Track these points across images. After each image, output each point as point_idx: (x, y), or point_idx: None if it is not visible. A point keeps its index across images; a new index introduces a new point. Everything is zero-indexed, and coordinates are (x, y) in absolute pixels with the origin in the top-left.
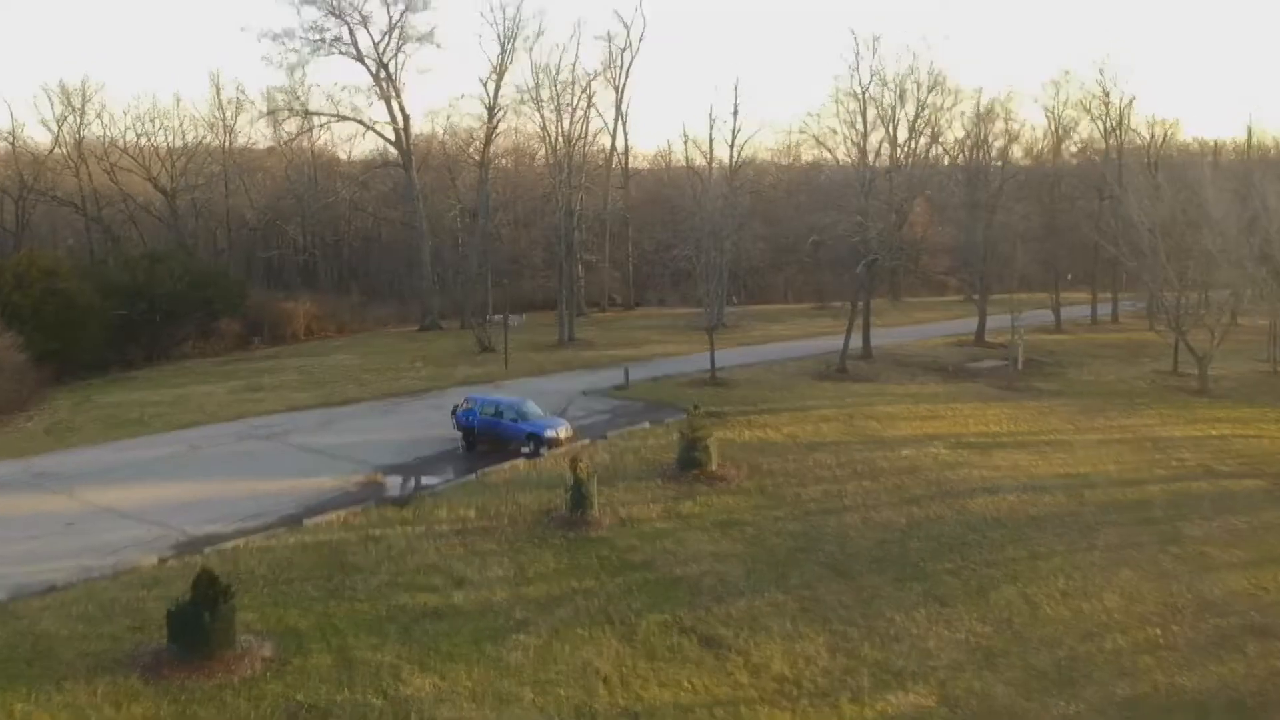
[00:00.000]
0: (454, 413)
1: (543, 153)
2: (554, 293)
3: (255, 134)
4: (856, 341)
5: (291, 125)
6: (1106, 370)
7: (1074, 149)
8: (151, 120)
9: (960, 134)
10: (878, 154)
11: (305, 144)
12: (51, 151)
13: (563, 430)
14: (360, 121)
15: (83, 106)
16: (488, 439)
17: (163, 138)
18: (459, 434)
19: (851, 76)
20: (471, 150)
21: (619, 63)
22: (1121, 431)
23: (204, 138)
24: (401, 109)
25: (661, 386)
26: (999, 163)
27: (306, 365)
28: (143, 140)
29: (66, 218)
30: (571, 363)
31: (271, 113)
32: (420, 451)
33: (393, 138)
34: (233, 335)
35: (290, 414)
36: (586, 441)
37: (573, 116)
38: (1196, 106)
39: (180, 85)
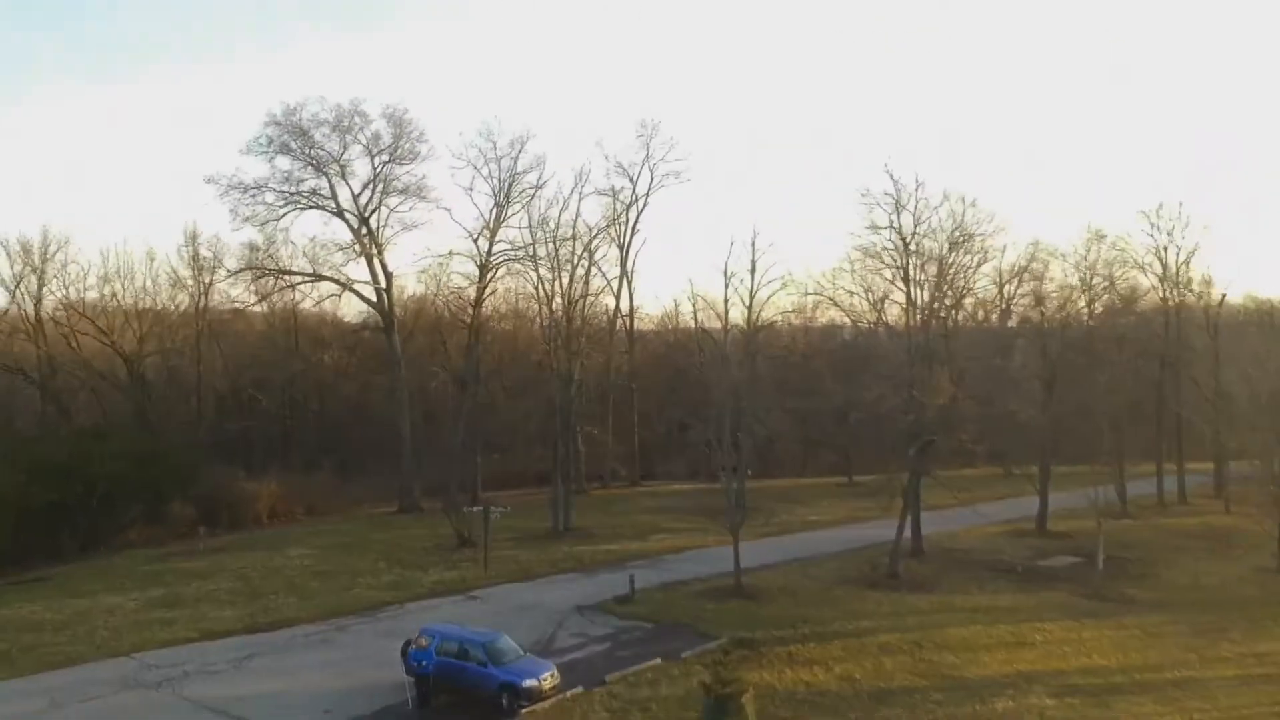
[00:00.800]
0: (405, 651)
1: (540, 314)
2: (550, 466)
3: (233, 293)
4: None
5: (263, 285)
6: (1201, 569)
7: (1116, 308)
8: (117, 279)
9: (989, 293)
10: (912, 316)
11: (284, 304)
12: (5, 313)
13: (546, 678)
14: (337, 282)
15: (42, 265)
16: (448, 687)
17: (130, 298)
18: (410, 679)
19: (889, 227)
20: (461, 313)
21: (625, 219)
22: (1259, 662)
23: (175, 298)
24: (384, 267)
25: (675, 598)
26: (1055, 325)
27: (250, 565)
28: (107, 301)
29: (23, 389)
30: (565, 562)
31: (240, 272)
32: (355, 709)
33: (374, 299)
34: (186, 520)
35: (202, 644)
36: (578, 690)
37: (573, 275)
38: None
39: (154, 239)
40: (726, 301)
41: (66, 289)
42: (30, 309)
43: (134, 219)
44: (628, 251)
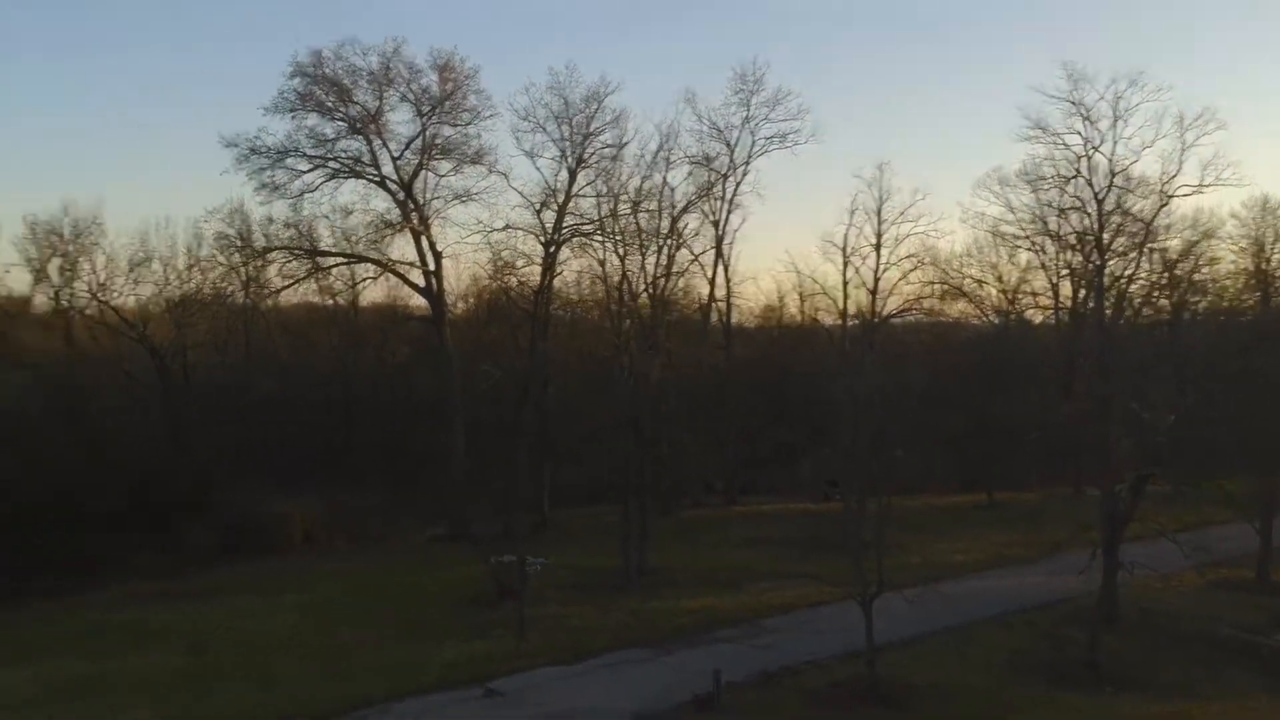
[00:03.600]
0: None
1: (611, 300)
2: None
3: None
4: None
5: (294, 269)
6: None
7: None
8: (156, 263)
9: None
10: (1096, 301)
11: (330, 292)
12: (30, 301)
13: None
14: (378, 262)
15: (71, 247)
16: None
17: (167, 285)
18: None
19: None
20: (523, 300)
21: (720, 191)
22: None
23: (218, 285)
24: (432, 246)
25: (781, 702)
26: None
27: (222, 621)
28: (142, 289)
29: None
30: (631, 629)
31: (267, 252)
32: None
33: (421, 283)
34: (205, 548)
35: None
36: None
37: (657, 256)
38: None
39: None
40: (846, 285)
41: (96, 274)
42: (52, 296)
43: (178, 196)
44: (723, 230)
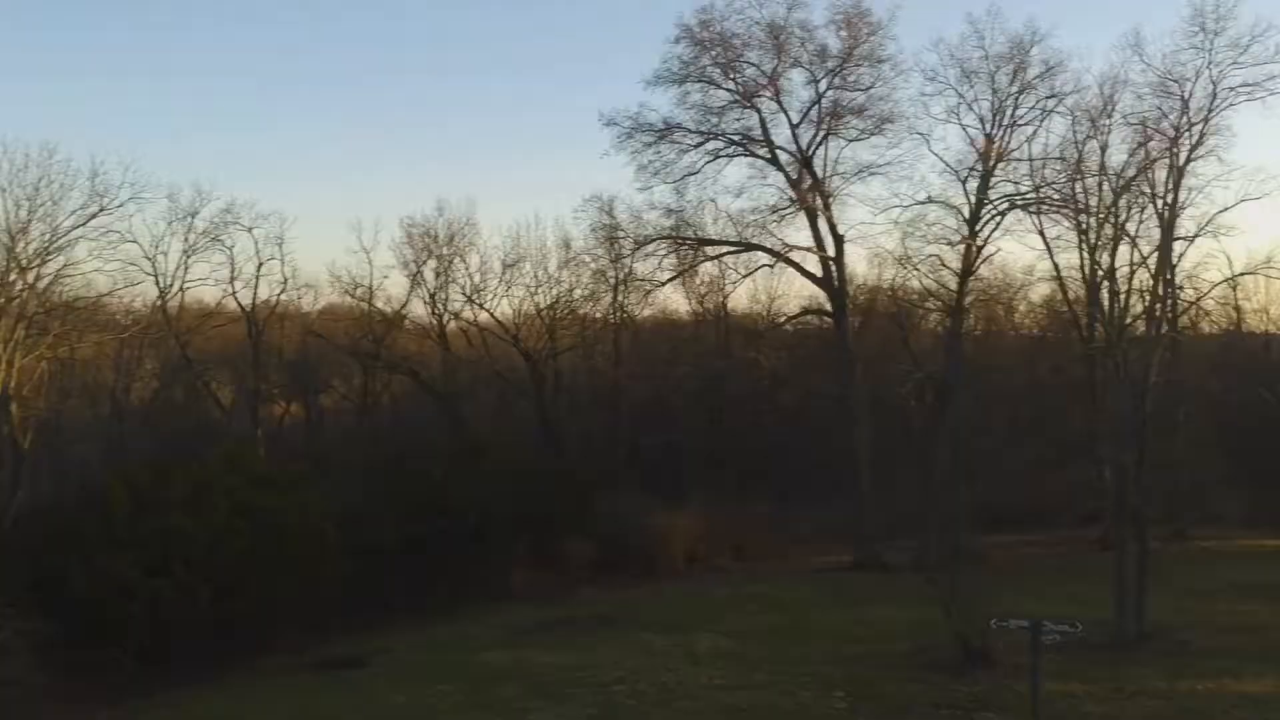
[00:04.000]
0: None
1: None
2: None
3: (641, 269)
4: None
5: (680, 259)
6: None
7: None
8: (527, 264)
9: None
10: None
11: (710, 288)
12: (405, 305)
13: None
14: (771, 251)
15: (444, 247)
16: None
17: (540, 286)
18: None
19: None
20: (940, 290)
21: (1174, 152)
22: None
23: (591, 285)
24: (833, 229)
25: None
26: None
27: (638, 663)
28: (510, 290)
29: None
30: None
31: (651, 241)
32: None
33: (819, 273)
34: (583, 562)
35: None
36: None
37: (1098, 235)
38: None
39: (565, 216)
40: None
41: (471, 277)
42: (428, 299)
43: (546, 193)
44: (1174, 202)
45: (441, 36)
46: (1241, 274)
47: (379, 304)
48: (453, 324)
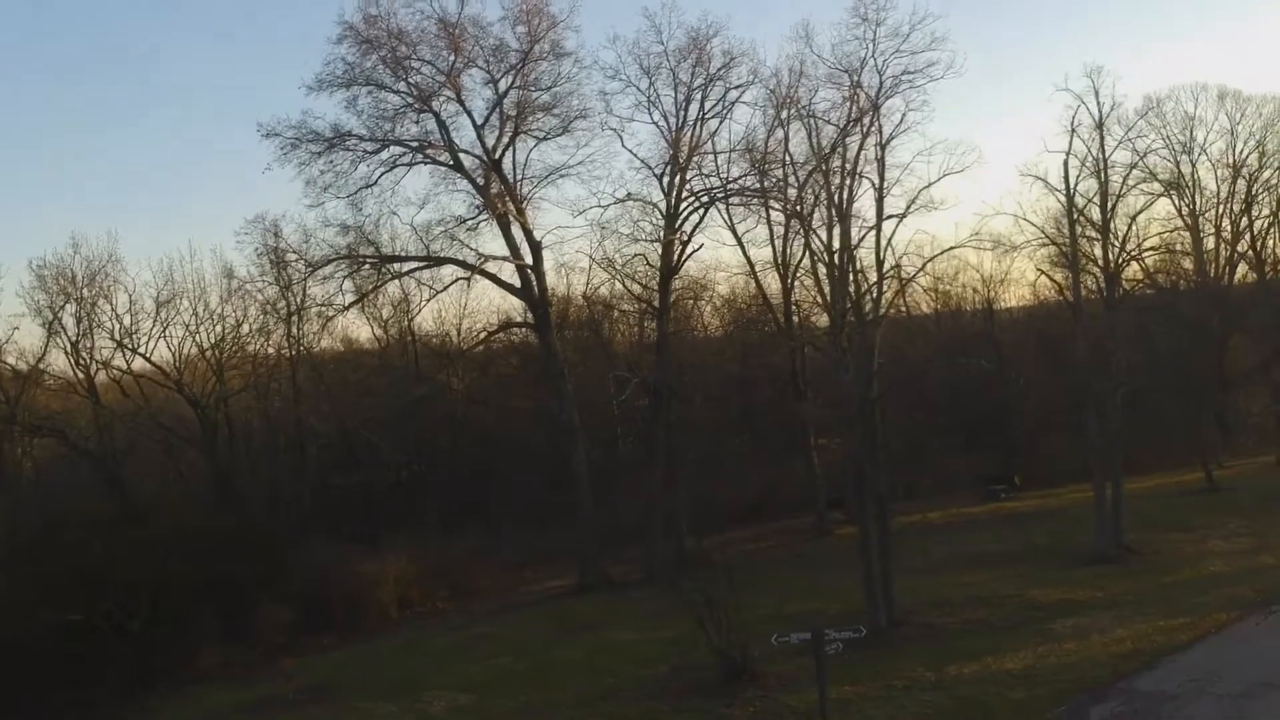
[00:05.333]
0: None
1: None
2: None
3: (319, 293)
4: None
5: (361, 281)
6: None
7: None
8: (183, 302)
9: None
10: None
11: (396, 311)
12: (42, 358)
13: None
14: (463, 264)
15: (84, 288)
16: None
17: (201, 326)
18: None
19: None
20: (646, 293)
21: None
22: None
23: (259, 321)
24: (528, 235)
25: None
26: None
27: None
28: (166, 332)
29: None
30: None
31: (327, 263)
32: None
33: (517, 283)
34: (280, 627)
35: None
36: None
37: (792, 221)
38: None
39: (227, 247)
40: (1074, 224)
41: (119, 320)
42: (70, 349)
43: (197, 222)
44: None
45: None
46: (951, 248)
47: (9, 359)
48: (102, 374)
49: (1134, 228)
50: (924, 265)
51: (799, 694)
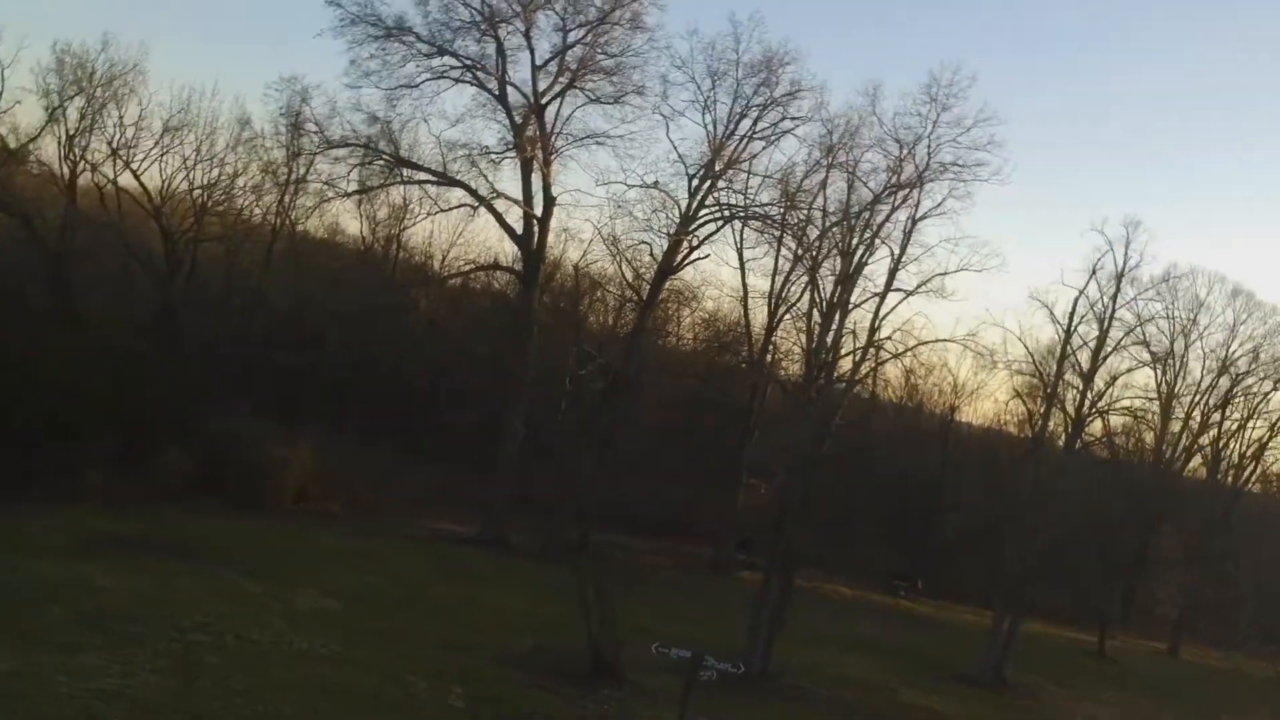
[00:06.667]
0: None
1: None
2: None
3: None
4: None
5: (369, 175)
6: None
7: None
8: (190, 133)
9: None
10: None
11: (393, 214)
12: (34, 139)
13: None
14: (474, 192)
15: (98, 87)
16: None
17: (200, 163)
18: None
19: None
20: (639, 280)
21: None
22: None
23: (257, 179)
24: (546, 187)
25: None
26: None
27: (224, 603)
28: (165, 158)
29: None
30: None
31: (343, 146)
32: None
33: (519, 229)
34: (179, 476)
35: None
36: None
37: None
38: None
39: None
40: (1062, 361)
41: (122, 129)
42: (65, 141)
43: (230, 65)
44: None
45: None
46: (945, 339)
47: (1, 129)
48: (87, 176)
49: (1113, 386)
50: (916, 345)
51: (654, 708)
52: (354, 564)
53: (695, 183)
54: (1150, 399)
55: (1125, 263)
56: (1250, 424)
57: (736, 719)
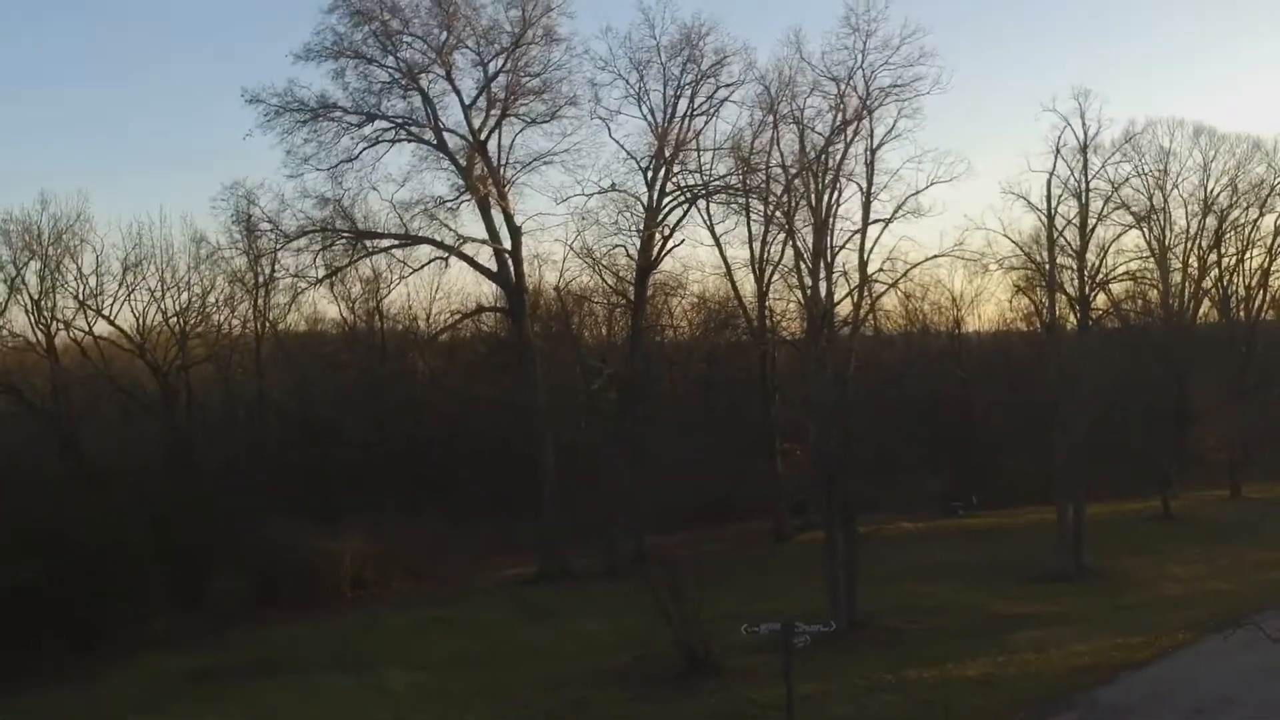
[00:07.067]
0: None
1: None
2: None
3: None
4: None
5: (335, 255)
6: None
7: None
8: (149, 265)
9: None
10: None
11: (368, 290)
12: (1, 313)
13: None
14: (441, 245)
15: (49, 246)
16: None
17: (167, 292)
18: None
19: None
20: (621, 287)
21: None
22: None
23: (227, 291)
24: (508, 220)
25: None
26: None
27: (298, 698)
28: (137, 296)
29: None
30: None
31: (302, 236)
32: None
33: (494, 267)
34: (234, 600)
35: None
36: None
37: (774, 220)
38: None
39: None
40: (1052, 244)
41: (84, 280)
42: (31, 307)
43: (170, 189)
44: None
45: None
46: (934, 256)
47: None
48: (63, 335)
49: (1105, 256)
50: (909, 270)
51: (760, 688)
52: (431, 632)
53: (650, 175)
54: (1145, 259)
55: (1085, 133)
56: (1247, 255)
57: (843, 676)
